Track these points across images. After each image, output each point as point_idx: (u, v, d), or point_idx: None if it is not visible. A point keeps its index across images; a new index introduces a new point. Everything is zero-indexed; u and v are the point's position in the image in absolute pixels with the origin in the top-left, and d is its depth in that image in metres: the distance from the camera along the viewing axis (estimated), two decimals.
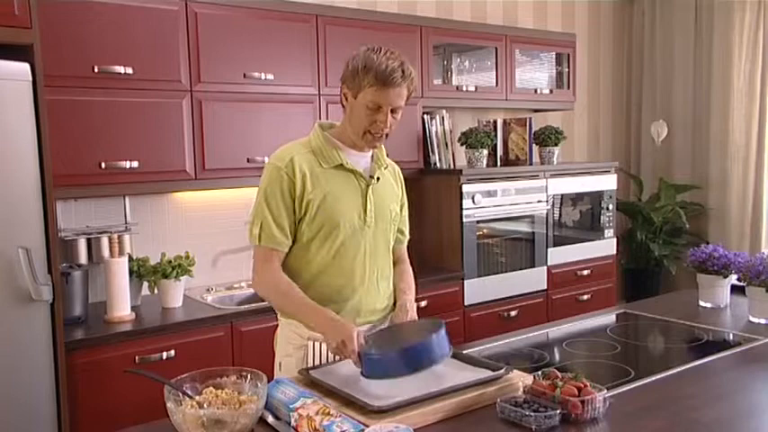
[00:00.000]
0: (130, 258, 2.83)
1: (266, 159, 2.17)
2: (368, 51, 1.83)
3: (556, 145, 4.02)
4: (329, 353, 1.82)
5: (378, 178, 1.94)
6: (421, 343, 1.62)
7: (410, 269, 2.11)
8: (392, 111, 1.83)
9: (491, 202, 3.59)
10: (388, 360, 1.61)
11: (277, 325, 2.00)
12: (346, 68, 1.86)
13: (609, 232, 4.22)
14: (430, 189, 3.65)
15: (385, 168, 1.99)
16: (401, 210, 2.07)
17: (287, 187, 1.83)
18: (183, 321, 2.65)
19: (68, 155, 2.54)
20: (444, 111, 3.76)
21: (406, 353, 1.60)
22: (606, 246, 4.21)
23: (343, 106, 1.89)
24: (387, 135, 1.87)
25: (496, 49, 3.91)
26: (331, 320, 1.75)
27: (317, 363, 1.84)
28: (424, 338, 1.63)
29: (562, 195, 3.94)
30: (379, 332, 1.85)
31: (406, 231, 2.13)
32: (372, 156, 1.97)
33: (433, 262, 3.64)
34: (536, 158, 4.06)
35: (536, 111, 4.42)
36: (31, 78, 2.21)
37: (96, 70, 2.61)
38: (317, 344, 1.85)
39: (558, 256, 3.93)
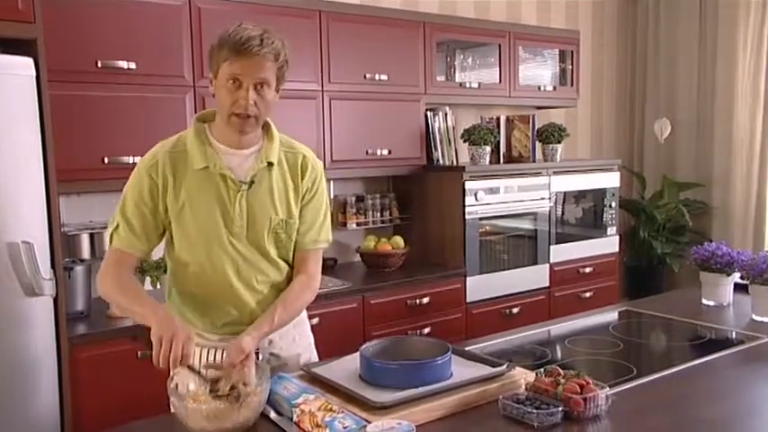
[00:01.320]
0: None
1: None
2: (229, 27, 1.65)
3: (559, 142, 4.01)
4: (208, 360, 1.75)
5: (251, 183, 1.72)
6: (424, 363, 1.62)
7: (299, 286, 1.81)
8: (256, 87, 1.64)
9: (494, 199, 3.58)
10: (387, 370, 1.61)
11: None
12: (211, 47, 1.69)
13: (611, 230, 4.21)
14: (432, 186, 3.65)
15: (270, 165, 1.75)
16: (303, 210, 1.81)
17: (147, 190, 1.70)
18: None
19: (71, 150, 2.54)
20: (447, 107, 3.75)
21: (408, 368, 1.61)
22: (609, 243, 4.20)
23: (214, 96, 1.71)
24: (257, 117, 1.67)
25: (500, 45, 3.90)
26: (161, 316, 1.56)
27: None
28: (428, 359, 1.63)
29: (565, 193, 3.94)
30: (386, 342, 1.83)
31: (314, 235, 1.83)
32: (259, 152, 1.76)
33: (436, 259, 3.63)
34: (539, 155, 4.05)
35: (539, 108, 4.40)
36: (34, 73, 2.21)
37: (99, 65, 2.61)
38: (204, 351, 1.77)
39: (561, 253, 3.92)
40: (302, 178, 1.81)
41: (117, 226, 1.74)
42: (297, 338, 1.92)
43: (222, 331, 1.79)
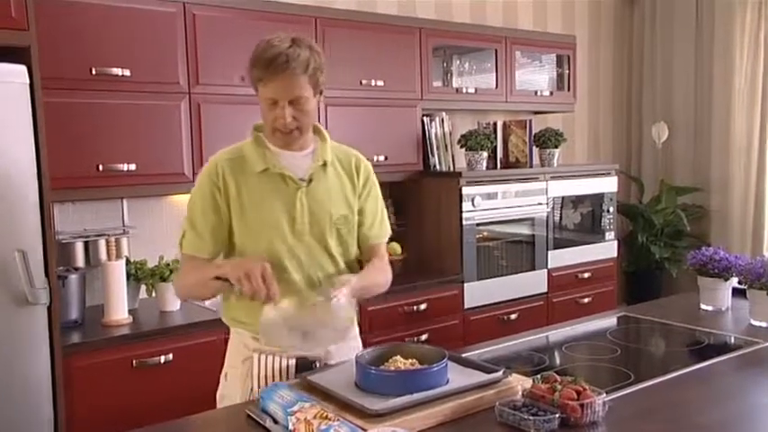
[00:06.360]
0: (128, 261, 2.82)
1: None
2: (260, 42, 1.68)
3: (556, 147, 4.01)
4: (274, 367, 1.76)
5: (310, 180, 1.77)
6: (420, 369, 1.61)
7: (382, 266, 1.92)
8: (293, 102, 1.67)
9: (491, 204, 3.57)
10: (383, 378, 1.60)
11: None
12: None
13: (609, 235, 4.21)
14: (429, 191, 3.64)
15: (323, 165, 1.80)
16: (363, 206, 1.87)
17: (210, 194, 1.74)
18: (181, 325, 2.64)
19: (66, 157, 2.53)
20: (444, 113, 3.75)
21: (404, 375, 1.60)
22: (607, 248, 4.19)
23: None
24: (299, 129, 1.72)
25: (496, 50, 3.91)
26: (234, 262, 1.69)
27: (261, 376, 1.76)
28: (424, 366, 1.62)
29: (562, 198, 3.93)
30: (382, 349, 1.81)
31: (377, 229, 1.91)
32: (314, 153, 1.81)
33: (433, 265, 3.62)
34: (536, 161, 4.05)
35: (536, 113, 4.41)
36: (28, 80, 2.21)
37: (94, 72, 2.60)
38: (262, 356, 1.77)
39: (559, 258, 3.91)
40: (358, 177, 1.87)
41: (184, 233, 1.77)
42: (351, 353, 1.89)
43: None
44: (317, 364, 1.79)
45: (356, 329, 1.98)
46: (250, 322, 1.77)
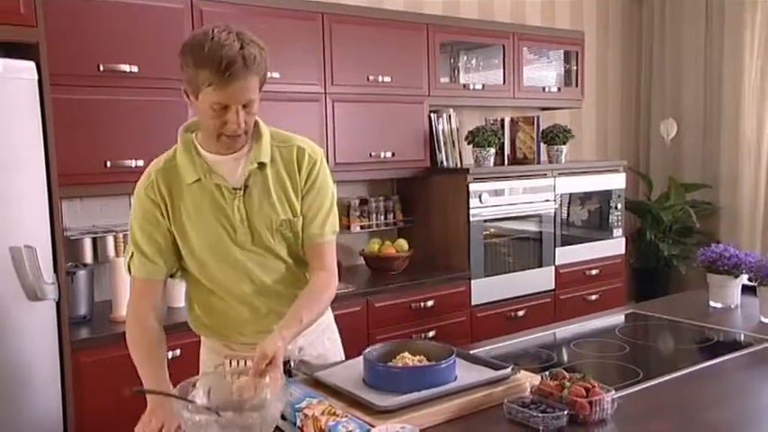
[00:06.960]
0: None
1: None
2: (198, 37, 1.51)
3: (564, 143, 4.00)
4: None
5: (245, 187, 1.65)
6: (428, 366, 1.61)
7: (321, 282, 1.72)
8: (245, 106, 1.55)
9: (498, 201, 3.56)
10: (391, 374, 1.60)
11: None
12: (181, 59, 1.55)
13: (617, 232, 4.19)
14: (437, 188, 3.63)
15: (262, 166, 1.66)
16: (305, 201, 1.71)
17: (149, 211, 1.66)
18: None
19: (74, 154, 2.53)
20: (451, 109, 3.74)
21: (412, 372, 1.60)
22: (615, 245, 4.18)
23: (190, 101, 1.59)
24: (246, 132, 1.60)
25: (504, 46, 3.89)
26: (155, 404, 1.63)
27: None
28: (432, 363, 1.62)
29: (570, 194, 3.92)
30: (390, 345, 1.80)
31: (317, 228, 1.72)
32: (249, 154, 1.66)
33: (440, 261, 3.62)
34: (544, 157, 4.04)
35: (544, 109, 4.39)
36: (36, 77, 2.21)
37: (102, 69, 2.61)
38: (233, 362, 1.74)
39: (566, 255, 3.90)
40: (299, 170, 1.71)
41: (132, 255, 1.69)
42: (327, 344, 1.90)
43: (249, 340, 1.71)
44: (292, 364, 1.76)
45: (331, 316, 1.95)
46: (218, 330, 1.76)
